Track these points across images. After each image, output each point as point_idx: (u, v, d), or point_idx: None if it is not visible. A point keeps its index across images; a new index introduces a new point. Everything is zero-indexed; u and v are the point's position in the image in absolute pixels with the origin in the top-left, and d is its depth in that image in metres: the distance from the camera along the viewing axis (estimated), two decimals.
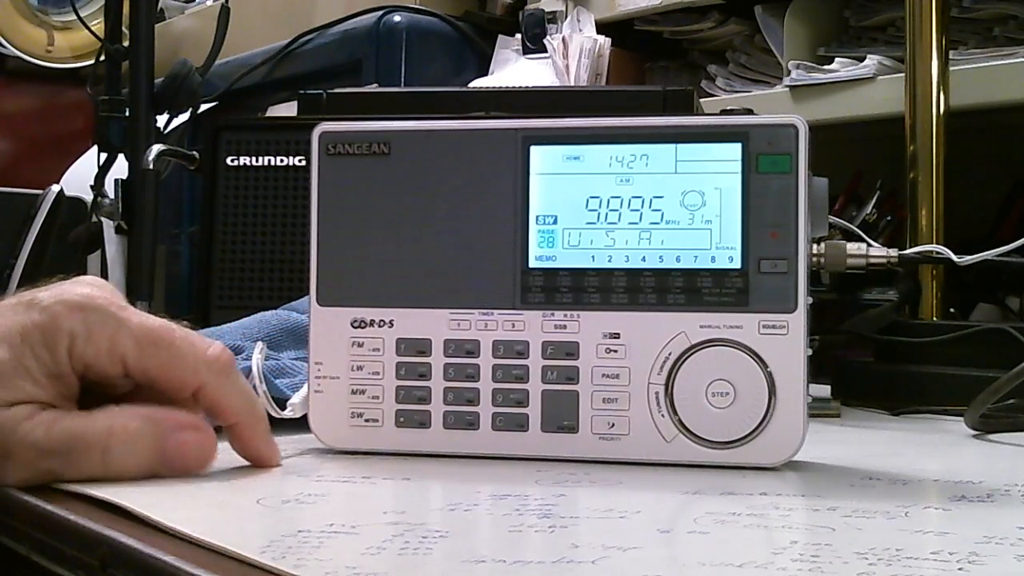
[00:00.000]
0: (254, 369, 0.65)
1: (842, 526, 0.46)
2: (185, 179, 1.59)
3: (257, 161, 0.99)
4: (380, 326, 0.64)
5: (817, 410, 0.76)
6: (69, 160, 1.85)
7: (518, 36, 1.50)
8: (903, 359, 0.96)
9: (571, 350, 0.61)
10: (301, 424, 0.65)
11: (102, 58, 1.49)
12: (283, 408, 0.65)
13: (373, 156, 0.64)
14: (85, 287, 0.54)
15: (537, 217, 0.62)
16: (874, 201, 1.17)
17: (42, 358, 0.51)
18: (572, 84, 1.37)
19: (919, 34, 1.02)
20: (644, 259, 0.61)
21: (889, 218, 1.17)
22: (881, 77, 1.16)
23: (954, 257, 0.90)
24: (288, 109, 1.35)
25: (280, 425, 0.65)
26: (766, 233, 0.60)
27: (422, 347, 0.63)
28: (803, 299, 0.59)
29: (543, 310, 0.62)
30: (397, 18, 1.51)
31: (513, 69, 1.49)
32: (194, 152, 1.10)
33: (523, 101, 0.97)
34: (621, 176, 0.62)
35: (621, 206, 0.62)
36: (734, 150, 0.60)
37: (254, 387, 0.65)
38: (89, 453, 0.51)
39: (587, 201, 0.62)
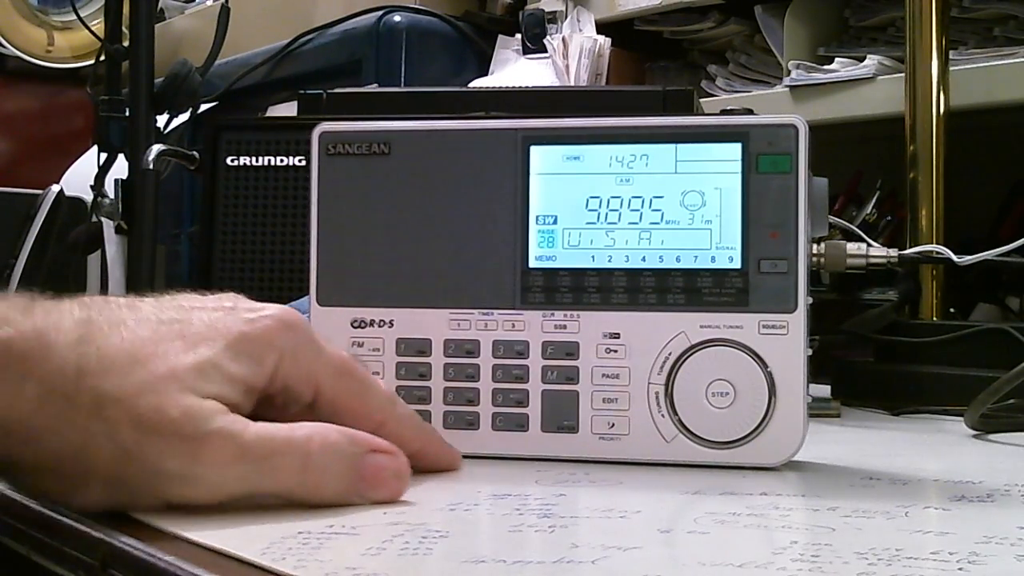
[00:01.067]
0: None
1: (842, 526, 0.46)
2: (185, 179, 1.59)
3: (257, 161, 0.99)
4: (380, 326, 0.64)
5: (817, 410, 0.76)
6: (69, 160, 1.85)
7: (518, 36, 1.50)
8: (903, 359, 0.96)
9: (571, 350, 0.61)
10: None
11: (102, 58, 1.49)
12: None
13: (373, 156, 0.64)
14: (274, 307, 0.53)
15: (537, 217, 0.62)
16: (874, 201, 1.17)
17: (246, 367, 0.49)
18: (572, 84, 1.37)
19: (919, 34, 1.02)
20: (644, 259, 0.61)
21: (889, 218, 1.18)
22: (881, 77, 1.16)
23: (954, 257, 0.90)
24: (288, 109, 1.35)
25: None
26: (766, 233, 0.60)
27: (422, 347, 0.63)
28: (803, 299, 0.59)
29: (543, 310, 0.62)
30: (397, 18, 1.51)
31: (513, 69, 1.49)
32: (194, 152, 1.10)
33: (523, 101, 0.97)
34: (621, 176, 0.62)
35: (621, 206, 0.62)
36: (734, 150, 0.60)
37: None
38: (289, 460, 0.48)
39: (587, 201, 0.62)
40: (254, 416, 0.49)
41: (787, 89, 1.24)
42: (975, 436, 0.75)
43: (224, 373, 0.49)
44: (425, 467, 0.57)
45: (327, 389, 0.53)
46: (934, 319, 0.99)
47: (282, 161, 0.98)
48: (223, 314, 0.51)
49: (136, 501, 0.47)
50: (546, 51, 1.44)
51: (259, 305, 0.52)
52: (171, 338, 0.48)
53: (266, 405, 0.51)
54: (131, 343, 0.48)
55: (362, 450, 0.50)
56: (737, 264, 0.60)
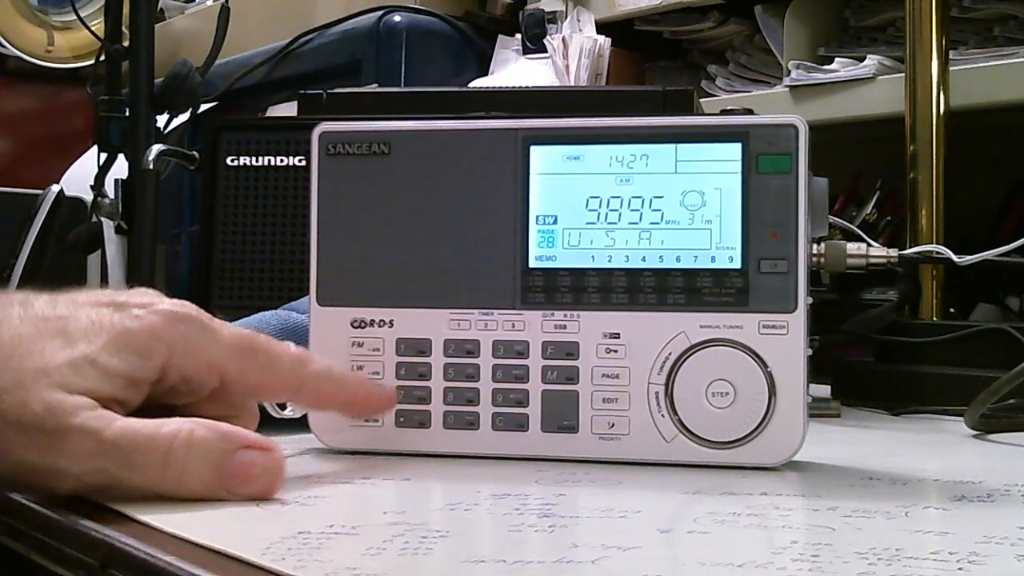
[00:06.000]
0: None
1: (842, 526, 0.46)
2: (185, 179, 1.59)
3: (257, 161, 0.99)
4: (380, 326, 0.64)
5: (817, 410, 0.76)
6: (69, 160, 1.85)
7: (518, 36, 1.50)
8: (903, 359, 0.96)
9: (571, 350, 0.61)
10: (301, 424, 0.65)
11: (102, 58, 1.48)
12: (283, 408, 0.65)
13: (373, 156, 0.64)
14: (168, 301, 0.53)
15: (537, 217, 0.62)
16: (874, 201, 1.17)
17: (128, 361, 0.50)
18: (572, 84, 1.37)
19: (919, 34, 1.02)
20: (644, 259, 0.61)
21: (889, 218, 1.17)
22: (881, 77, 1.16)
23: (954, 257, 0.90)
24: (288, 109, 1.35)
25: (280, 425, 0.65)
26: (766, 233, 0.60)
27: (422, 347, 0.63)
28: (803, 299, 0.59)
29: (543, 310, 0.62)
30: (397, 18, 1.51)
31: (513, 69, 1.48)
32: (194, 152, 1.10)
33: (523, 101, 0.97)
34: (621, 176, 0.62)
35: (621, 206, 0.62)
36: (734, 150, 0.60)
37: None
38: (151, 456, 0.49)
39: (587, 201, 0.62)
40: (156, 409, 0.51)
41: (787, 89, 1.24)
42: (975, 436, 0.75)
43: (101, 368, 0.50)
44: (360, 414, 0.60)
45: (232, 371, 0.54)
46: (934, 319, 0.99)
47: (282, 161, 0.98)
48: (111, 311, 0.52)
49: (8, 490, 0.49)
50: (546, 51, 1.44)
51: (153, 301, 0.53)
52: (51, 335, 0.50)
53: (172, 396, 0.53)
54: (9, 340, 0.49)
55: (232, 447, 0.50)
56: (737, 264, 0.60)
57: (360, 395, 0.61)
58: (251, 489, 0.50)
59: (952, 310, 1.01)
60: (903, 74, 1.04)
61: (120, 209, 1.36)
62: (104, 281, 1.45)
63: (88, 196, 1.48)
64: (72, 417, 0.48)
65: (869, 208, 1.17)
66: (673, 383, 0.60)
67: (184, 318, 0.53)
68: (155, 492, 0.49)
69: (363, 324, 0.64)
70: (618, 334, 0.61)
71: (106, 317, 0.51)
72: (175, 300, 0.54)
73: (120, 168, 1.42)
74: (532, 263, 0.62)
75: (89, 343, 0.50)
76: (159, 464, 0.49)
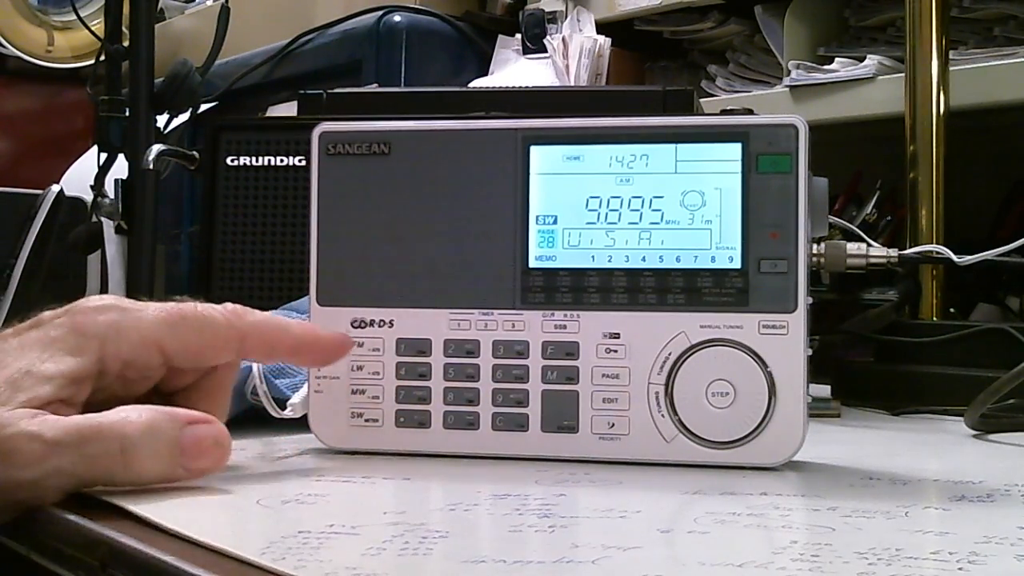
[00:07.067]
0: (254, 369, 0.65)
1: (842, 526, 0.46)
2: (185, 179, 1.59)
3: (257, 161, 0.99)
4: (380, 326, 0.64)
5: (817, 410, 0.76)
6: (69, 160, 1.85)
7: (518, 36, 1.50)
8: (903, 359, 0.96)
9: (571, 350, 0.61)
10: (301, 424, 0.65)
11: (102, 58, 1.48)
12: (283, 408, 0.65)
13: (373, 156, 0.64)
14: (83, 300, 0.54)
15: (537, 217, 0.62)
16: (874, 201, 1.17)
17: (62, 363, 0.51)
18: (572, 84, 1.37)
19: (919, 34, 1.02)
20: (644, 259, 0.61)
21: (889, 218, 1.17)
22: (881, 77, 1.16)
23: (954, 257, 0.90)
24: (288, 109, 1.35)
25: (280, 425, 0.65)
26: (766, 233, 0.60)
27: (422, 347, 0.63)
28: (803, 299, 0.59)
29: (543, 310, 0.62)
30: (397, 18, 1.51)
31: (513, 69, 1.48)
32: (194, 152, 1.10)
33: (523, 101, 0.97)
34: (621, 176, 0.62)
35: (621, 206, 0.62)
36: (734, 150, 0.60)
37: (254, 387, 0.65)
38: (105, 445, 0.49)
39: (587, 201, 0.62)
40: (110, 400, 0.52)
41: (787, 89, 1.24)
42: (975, 436, 0.75)
43: (36, 376, 0.50)
44: (316, 360, 0.60)
45: (170, 344, 0.54)
46: (934, 319, 0.99)
47: (282, 161, 0.98)
48: (34, 331, 0.53)
49: (7, 515, 0.49)
50: (546, 51, 1.44)
51: (69, 308, 0.54)
52: None
53: (126, 387, 0.54)
54: None
55: (179, 424, 0.51)
56: (737, 264, 0.60)
57: (308, 338, 0.60)
58: (204, 463, 0.51)
59: (952, 310, 1.01)
60: (903, 74, 1.04)
61: (120, 209, 1.36)
62: (104, 281, 1.45)
63: (88, 196, 1.48)
64: (11, 427, 0.48)
65: (869, 208, 1.17)
66: (673, 383, 0.60)
67: (104, 308, 0.53)
68: (115, 481, 0.49)
69: (363, 324, 0.64)
70: (618, 334, 0.61)
71: (31, 336, 0.52)
72: (91, 297, 0.55)
73: (120, 168, 1.42)
74: (532, 263, 0.62)
75: (20, 360, 0.51)
76: (114, 451, 0.49)
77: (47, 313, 0.54)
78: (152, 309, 0.55)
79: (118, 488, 0.50)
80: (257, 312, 0.58)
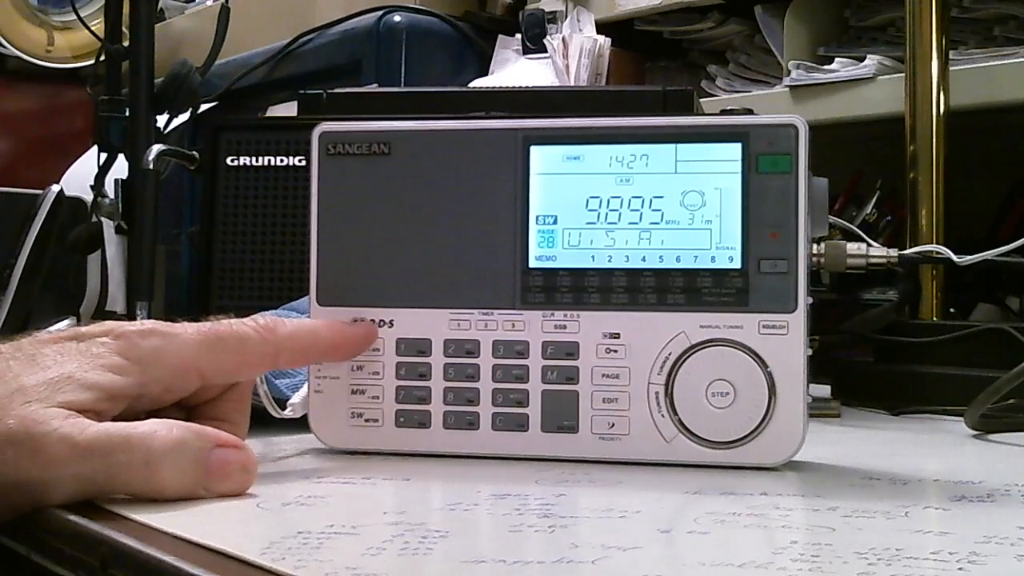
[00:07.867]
0: None
1: (842, 526, 0.46)
2: (185, 179, 1.59)
3: (257, 161, 0.99)
4: (380, 326, 0.64)
5: (817, 410, 0.76)
6: (69, 160, 1.84)
7: (518, 36, 1.50)
8: (903, 359, 0.96)
9: (571, 350, 0.61)
10: (301, 424, 0.65)
11: (102, 58, 1.48)
12: (283, 408, 0.65)
13: (373, 156, 0.64)
14: (125, 323, 0.55)
15: (537, 217, 0.62)
16: (874, 201, 1.17)
17: (104, 376, 0.51)
18: (572, 84, 1.37)
19: (919, 34, 1.02)
20: (644, 259, 0.61)
21: (889, 218, 1.17)
22: (881, 77, 1.16)
23: (954, 257, 0.90)
24: (288, 109, 1.35)
25: (280, 425, 0.66)
26: (766, 233, 0.60)
27: (422, 347, 0.63)
28: (803, 299, 0.59)
29: (543, 310, 0.62)
30: (397, 18, 1.51)
31: (513, 69, 1.48)
32: (194, 152, 1.10)
33: (523, 101, 0.97)
34: (621, 176, 0.62)
35: (621, 206, 0.62)
36: (734, 150, 0.60)
37: (254, 387, 0.65)
38: (131, 456, 0.49)
39: (587, 201, 0.62)
40: (136, 410, 0.53)
41: (787, 89, 1.24)
42: (975, 436, 0.75)
43: (78, 382, 0.51)
44: (348, 354, 0.62)
45: (207, 366, 0.55)
46: (934, 319, 0.99)
47: (282, 161, 0.98)
48: (75, 343, 0.53)
49: (14, 512, 0.49)
50: (546, 51, 1.44)
51: (112, 327, 0.54)
52: (23, 365, 0.51)
53: (151, 402, 0.54)
54: None
55: (208, 445, 0.51)
56: (737, 264, 0.60)
57: (339, 337, 0.62)
58: (228, 485, 0.51)
59: (952, 310, 1.01)
60: (903, 74, 1.04)
61: (120, 209, 1.36)
62: (104, 281, 1.45)
63: (88, 196, 1.48)
64: (44, 426, 0.48)
65: (869, 208, 1.17)
66: (673, 383, 0.60)
67: (146, 333, 0.54)
68: (136, 493, 0.49)
69: None
70: (618, 334, 0.61)
71: (71, 346, 0.53)
72: (132, 321, 0.56)
73: (120, 168, 1.42)
74: (532, 263, 0.62)
75: (62, 367, 0.51)
76: (139, 463, 0.49)
77: (86, 328, 0.54)
78: (190, 332, 0.55)
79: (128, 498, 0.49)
80: (288, 322, 0.59)
